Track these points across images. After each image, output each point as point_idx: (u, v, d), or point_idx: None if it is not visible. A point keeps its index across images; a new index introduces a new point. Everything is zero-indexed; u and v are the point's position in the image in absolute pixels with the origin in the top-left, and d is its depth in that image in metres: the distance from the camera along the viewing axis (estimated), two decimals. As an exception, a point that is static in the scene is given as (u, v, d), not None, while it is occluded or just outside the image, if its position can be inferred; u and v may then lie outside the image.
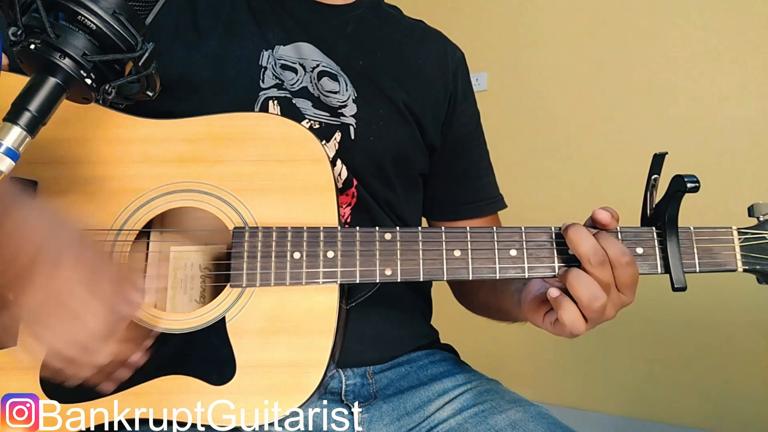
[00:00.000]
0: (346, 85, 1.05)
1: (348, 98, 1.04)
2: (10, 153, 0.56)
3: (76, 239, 0.71)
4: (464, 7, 3.03)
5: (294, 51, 1.05)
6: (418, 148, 1.12)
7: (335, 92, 1.04)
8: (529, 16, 2.84)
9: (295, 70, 1.03)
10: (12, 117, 0.56)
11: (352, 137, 1.03)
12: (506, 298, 1.03)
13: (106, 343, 0.70)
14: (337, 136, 1.02)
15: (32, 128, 0.57)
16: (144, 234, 0.90)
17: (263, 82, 1.01)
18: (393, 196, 1.10)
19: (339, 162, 1.02)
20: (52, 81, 0.58)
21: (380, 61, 1.10)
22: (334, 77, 1.05)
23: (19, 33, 0.56)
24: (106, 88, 0.61)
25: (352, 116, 1.04)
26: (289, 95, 1.01)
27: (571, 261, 0.83)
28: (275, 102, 1.00)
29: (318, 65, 1.05)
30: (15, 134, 0.56)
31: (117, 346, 0.72)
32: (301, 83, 1.03)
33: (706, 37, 2.39)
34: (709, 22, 2.39)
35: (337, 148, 1.02)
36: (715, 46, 2.38)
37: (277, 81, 1.02)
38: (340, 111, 1.03)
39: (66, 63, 0.58)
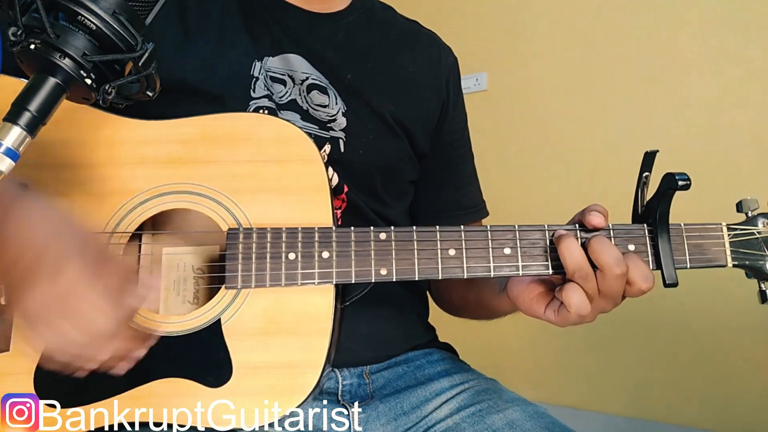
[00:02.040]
0: (336, 99, 1.04)
1: (337, 112, 1.04)
2: (10, 153, 0.56)
3: (78, 239, 0.72)
4: (464, 6, 3.03)
5: (282, 62, 1.03)
6: (408, 160, 1.13)
7: (324, 106, 1.03)
8: (529, 16, 2.85)
9: (284, 83, 1.02)
10: (12, 117, 0.56)
11: (342, 150, 1.03)
12: (485, 290, 1.04)
13: (112, 340, 0.72)
14: (327, 148, 1.01)
15: (32, 128, 0.57)
16: (137, 236, 0.90)
17: (254, 91, 1.00)
18: (383, 207, 1.10)
19: (330, 169, 1.02)
20: (52, 81, 0.58)
21: (370, 71, 1.09)
22: (323, 90, 1.04)
23: (19, 33, 0.56)
24: (106, 88, 0.61)
25: (341, 130, 1.03)
26: (275, 107, 1.01)
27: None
28: (265, 113, 0.99)
29: (307, 78, 1.04)
30: (15, 134, 0.56)
31: (123, 342, 0.73)
32: (289, 96, 1.02)
33: (703, 39, 2.42)
34: (706, 24, 2.42)
35: (326, 160, 1.01)
36: (711, 47, 2.41)
37: (268, 92, 1.01)
38: (329, 125, 1.03)
39: (66, 63, 0.58)
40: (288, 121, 0.91)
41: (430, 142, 1.16)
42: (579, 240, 0.83)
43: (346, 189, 1.03)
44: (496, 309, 1.04)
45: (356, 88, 1.06)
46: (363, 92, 1.06)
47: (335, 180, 1.02)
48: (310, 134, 0.99)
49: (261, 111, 1.00)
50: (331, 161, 1.02)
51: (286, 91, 1.02)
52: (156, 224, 0.93)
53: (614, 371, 2.61)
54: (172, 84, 0.96)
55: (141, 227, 0.87)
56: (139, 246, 0.91)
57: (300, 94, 1.03)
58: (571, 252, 0.80)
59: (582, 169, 2.67)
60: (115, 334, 0.71)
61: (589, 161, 2.65)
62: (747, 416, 2.30)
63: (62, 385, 0.80)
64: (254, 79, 1.01)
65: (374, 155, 1.06)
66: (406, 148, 1.11)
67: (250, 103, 1.00)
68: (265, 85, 1.01)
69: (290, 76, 1.03)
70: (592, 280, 0.80)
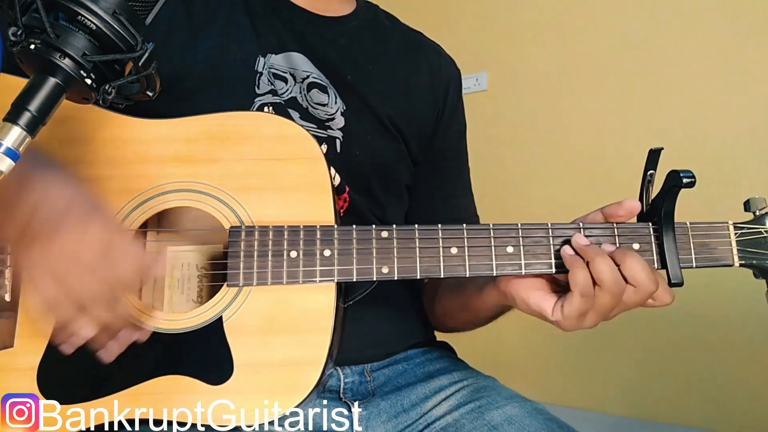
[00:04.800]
0: (335, 98, 1.05)
1: (336, 111, 1.04)
2: (10, 153, 0.55)
3: (93, 206, 0.77)
4: (464, 6, 3.03)
5: (285, 60, 1.04)
6: (403, 163, 1.13)
7: (324, 104, 1.04)
8: (529, 16, 2.84)
9: (285, 80, 1.03)
10: (12, 117, 0.56)
11: (338, 150, 1.03)
12: (467, 290, 1.02)
13: (115, 299, 0.76)
14: (324, 148, 1.01)
15: (32, 128, 0.57)
16: (141, 234, 0.90)
17: (259, 87, 1.01)
18: (379, 209, 1.10)
19: (332, 169, 1.02)
20: (52, 81, 0.57)
21: (371, 74, 1.10)
22: (323, 89, 1.05)
23: (19, 33, 0.56)
24: (106, 88, 0.60)
25: (339, 129, 1.04)
26: (283, 102, 1.01)
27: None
28: (270, 108, 1.00)
29: (308, 76, 1.04)
30: (15, 134, 0.55)
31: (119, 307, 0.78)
32: (290, 93, 1.02)
33: (704, 37, 2.41)
34: (707, 22, 2.40)
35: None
36: (713, 45, 2.39)
37: (272, 87, 1.01)
38: (327, 124, 1.03)
39: (66, 63, 0.57)
40: (291, 119, 0.91)
41: (422, 149, 1.16)
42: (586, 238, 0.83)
43: (347, 189, 1.04)
44: (479, 309, 1.01)
45: (356, 88, 1.07)
46: (362, 93, 1.07)
47: (337, 180, 1.03)
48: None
49: (267, 107, 1.00)
50: (328, 161, 1.01)
51: (287, 89, 1.02)
52: (160, 222, 0.93)
53: (614, 371, 2.61)
54: (177, 80, 0.96)
55: (145, 225, 0.87)
56: (144, 244, 0.92)
57: (300, 92, 1.03)
58: (607, 271, 0.78)
59: (584, 168, 2.66)
60: (118, 290, 0.77)
61: (591, 160, 2.64)
62: (747, 416, 2.29)
63: (65, 382, 0.80)
64: (258, 75, 1.01)
65: (371, 155, 1.06)
66: (402, 151, 1.12)
67: (255, 99, 1.00)
68: (269, 81, 1.01)
69: (292, 74, 1.03)
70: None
